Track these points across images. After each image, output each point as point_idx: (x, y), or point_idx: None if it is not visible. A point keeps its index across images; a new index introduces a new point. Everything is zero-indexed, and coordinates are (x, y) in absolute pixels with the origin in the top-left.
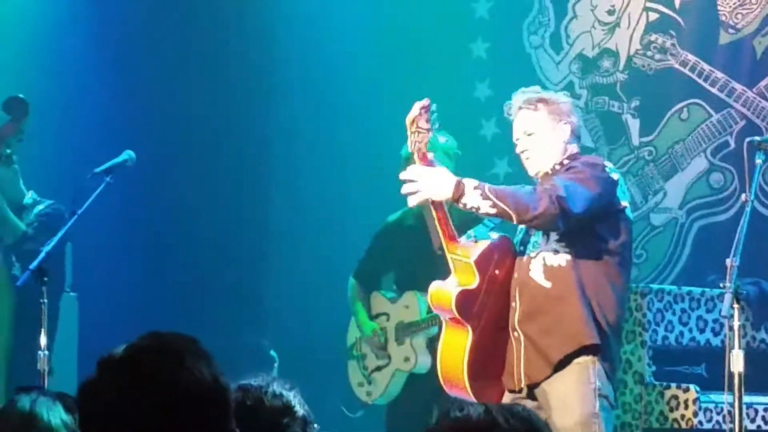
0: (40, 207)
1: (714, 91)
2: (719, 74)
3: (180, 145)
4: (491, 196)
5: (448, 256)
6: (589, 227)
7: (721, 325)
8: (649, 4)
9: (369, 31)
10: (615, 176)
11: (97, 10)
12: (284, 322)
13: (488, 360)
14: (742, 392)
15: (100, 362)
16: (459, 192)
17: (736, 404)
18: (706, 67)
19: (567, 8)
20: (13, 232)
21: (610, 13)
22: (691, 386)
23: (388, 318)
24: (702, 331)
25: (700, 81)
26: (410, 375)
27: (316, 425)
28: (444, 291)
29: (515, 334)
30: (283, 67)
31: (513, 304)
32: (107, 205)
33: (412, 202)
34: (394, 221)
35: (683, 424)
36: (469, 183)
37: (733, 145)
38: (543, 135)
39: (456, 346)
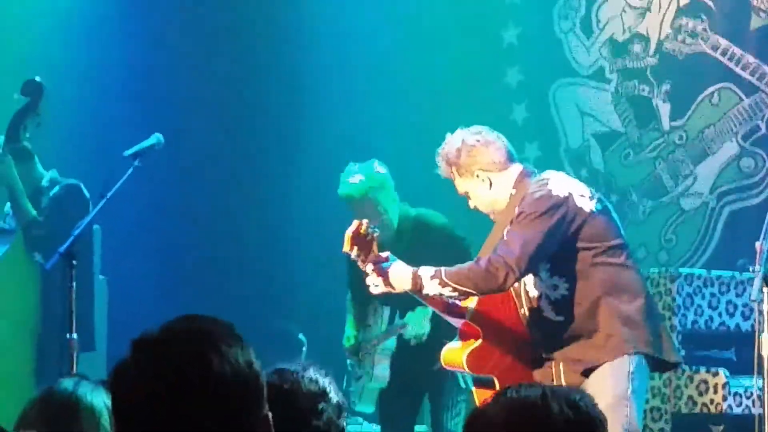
0: (56, 189)
1: (745, 75)
2: (750, 58)
3: (210, 128)
4: (450, 283)
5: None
6: (569, 250)
7: (751, 310)
8: None
9: (400, 18)
10: (563, 193)
11: None
12: (313, 305)
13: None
14: None
15: (133, 344)
16: (417, 285)
17: (766, 387)
18: (737, 51)
19: None
20: (23, 217)
21: None
22: (721, 370)
23: (369, 329)
24: (732, 315)
25: (731, 65)
26: (411, 352)
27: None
28: (454, 354)
29: (547, 362)
30: (313, 51)
31: (533, 337)
32: (136, 189)
33: (375, 292)
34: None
35: (712, 409)
36: (425, 273)
37: (764, 129)
38: (474, 193)
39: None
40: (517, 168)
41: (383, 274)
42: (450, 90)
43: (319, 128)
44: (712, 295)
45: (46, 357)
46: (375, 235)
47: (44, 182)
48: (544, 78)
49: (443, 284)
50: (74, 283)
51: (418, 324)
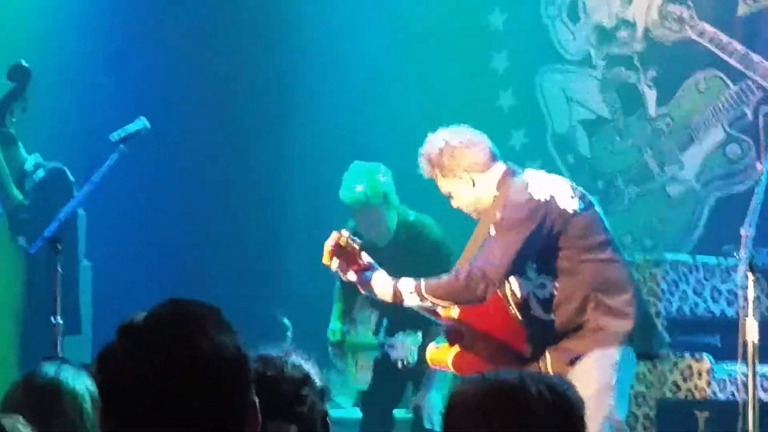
0: (40, 173)
1: (732, 62)
2: (737, 45)
3: (197, 113)
4: (428, 297)
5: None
6: (555, 249)
7: (736, 296)
8: None
9: (387, 5)
10: (543, 197)
11: None
12: (298, 290)
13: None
14: (756, 361)
15: (119, 328)
16: (398, 298)
17: (750, 373)
18: (724, 37)
19: None
20: (9, 202)
21: None
22: (705, 356)
23: (353, 324)
24: (716, 301)
25: (718, 52)
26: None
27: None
28: (440, 354)
29: (536, 361)
30: (305, 47)
31: (526, 333)
32: (122, 173)
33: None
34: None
35: (697, 395)
36: (405, 287)
37: (750, 116)
38: (457, 193)
39: None
40: (500, 168)
41: (364, 283)
42: (437, 76)
43: (305, 116)
44: (697, 281)
45: (30, 341)
46: (357, 245)
47: (28, 166)
48: (531, 64)
49: (422, 298)
50: (59, 268)
51: (406, 350)
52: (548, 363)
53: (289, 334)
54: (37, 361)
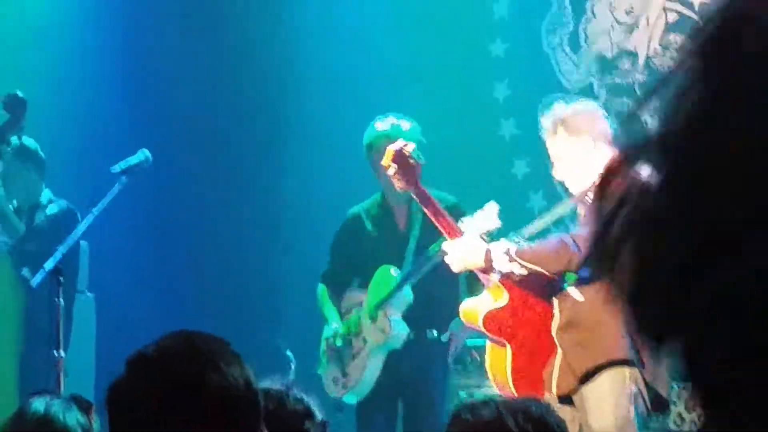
0: (53, 208)
1: None
2: None
3: (196, 145)
4: (517, 259)
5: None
6: None
7: None
8: (668, 5)
9: (388, 31)
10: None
11: (113, 6)
12: (301, 322)
13: (537, 367)
14: None
15: (129, 361)
16: (488, 260)
17: None
18: None
19: (585, 8)
20: (12, 232)
21: (629, 13)
22: None
23: (361, 305)
24: None
25: None
26: (387, 356)
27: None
28: (472, 309)
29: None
30: (298, 66)
31: (554, 312)
32: (124, 205)
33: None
34: (353, 213)
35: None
36: (497, 249)
37: None
38: (567, 158)
39: (499, 365)
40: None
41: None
42: (437, 105)
43: (309, 143)
44: None
45: (29, 375)
46: (419, 163)
47: (43, 199)
48: (533, 93)
49: (511, 259)
50: (62, 300)
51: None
52: (557, 369)
53: (292, 366)
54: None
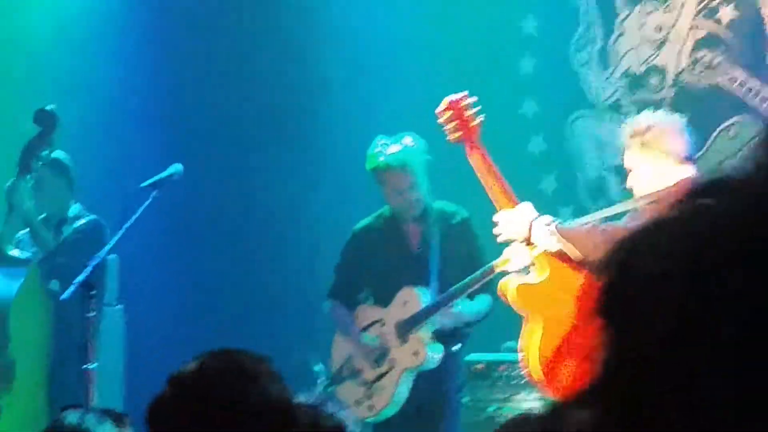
0: (82, 221)
1: (763, 108)
2: None
3: (228, 158)
4: (556, 233)
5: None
6: None
7: None
8: (696, 22)
9: (416, 48)
10: None
11: (141, 18)
12: (331, 336)
13: (563, 353)
14: None
15: (171, 380)
16: (530, 231)
17: None
18: (755, 83)
19: (614, 25)
20: (43, 245)
21: (658, 30)
22: None
23: (383, 324)
24: None
25: (749, 97)
26: (417, 376)
27: None
28: (509, 281)
29: None
30: (320, 84)
31: None
32: (154, 218)
33: (500, 239)
34: (362, 229)
35: None
36: (541, 221)
37: None
38: (636, 169)
39: (530, 343)
40: (692, 170)
41: (509, 217)
42: None
43: (338, 153)
44: None
45: (60, 388)
46: (477, 120)
47: (71, 212)
48: (561, 109)
49: (552, 232)
50: (93, 314)
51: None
52: None
53: (320, 381)
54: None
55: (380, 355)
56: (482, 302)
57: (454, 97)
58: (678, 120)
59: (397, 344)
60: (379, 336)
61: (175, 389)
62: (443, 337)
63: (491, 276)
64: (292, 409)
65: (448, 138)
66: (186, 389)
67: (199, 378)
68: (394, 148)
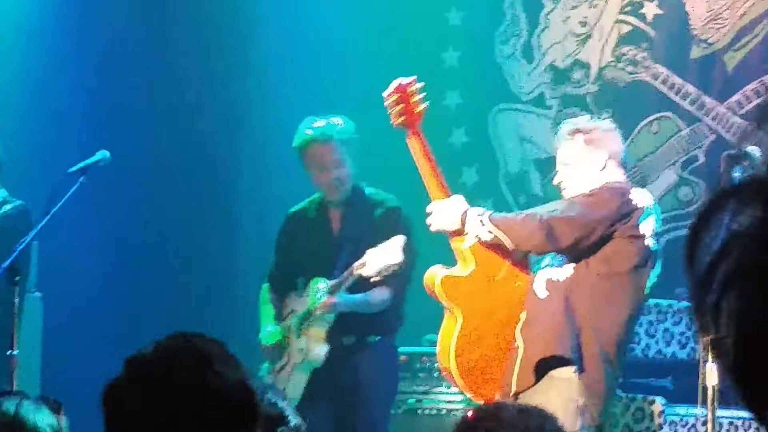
0: (8, 206)
1: (685, 104)
2: (690, 88)
3: (154, 145)
4: (488, 223)
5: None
6: (595, 248)
7: (688, 338)
8: (621, 17)
9: (341, 39)
10: (640, 203)
11: (72, 8)
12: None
13: (482, 356)
14: (716, 406)
15: (128, 362)
16: (463, 221)
17: (710, 418)
18: (678, 80)
19: (539, 19)
20: None
21: (583, 24)
22: (657, 398)
23: (293, 314)
24: (668, 343)
25: (671, 94)
26: (311, 374)
27: None
28: (434, 272)
29: (516, 343)
30: (258, 70)
31: (521, 314)
32: (80, 205)
33: (432, 229)
34: (294, 212)
35: None
36: (473, 211)
37: (702, 159)
38: (576, 164)
39: (446, 334)
40: (622, 175)
41: (440, 207)
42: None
43: (266, 144)
44: (650, 323)
45: None
46: (422, 106)
47: None
48: (484, 102)
49: (483, 223)
50: (17, 299)
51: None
52: (519, 359)
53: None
54: None
55: (283, 349)
56: (369, 295)
57: (403, 80)
58: (616, 127)
59: (293, 338)
60: (284, 329)
61: (131, 372)
62: (349, 327)
63: (351, 277)
64: (249, 392)
65: (391, 121)
66: (141, 371)
67: (155, 361)
68: (319, 123)
